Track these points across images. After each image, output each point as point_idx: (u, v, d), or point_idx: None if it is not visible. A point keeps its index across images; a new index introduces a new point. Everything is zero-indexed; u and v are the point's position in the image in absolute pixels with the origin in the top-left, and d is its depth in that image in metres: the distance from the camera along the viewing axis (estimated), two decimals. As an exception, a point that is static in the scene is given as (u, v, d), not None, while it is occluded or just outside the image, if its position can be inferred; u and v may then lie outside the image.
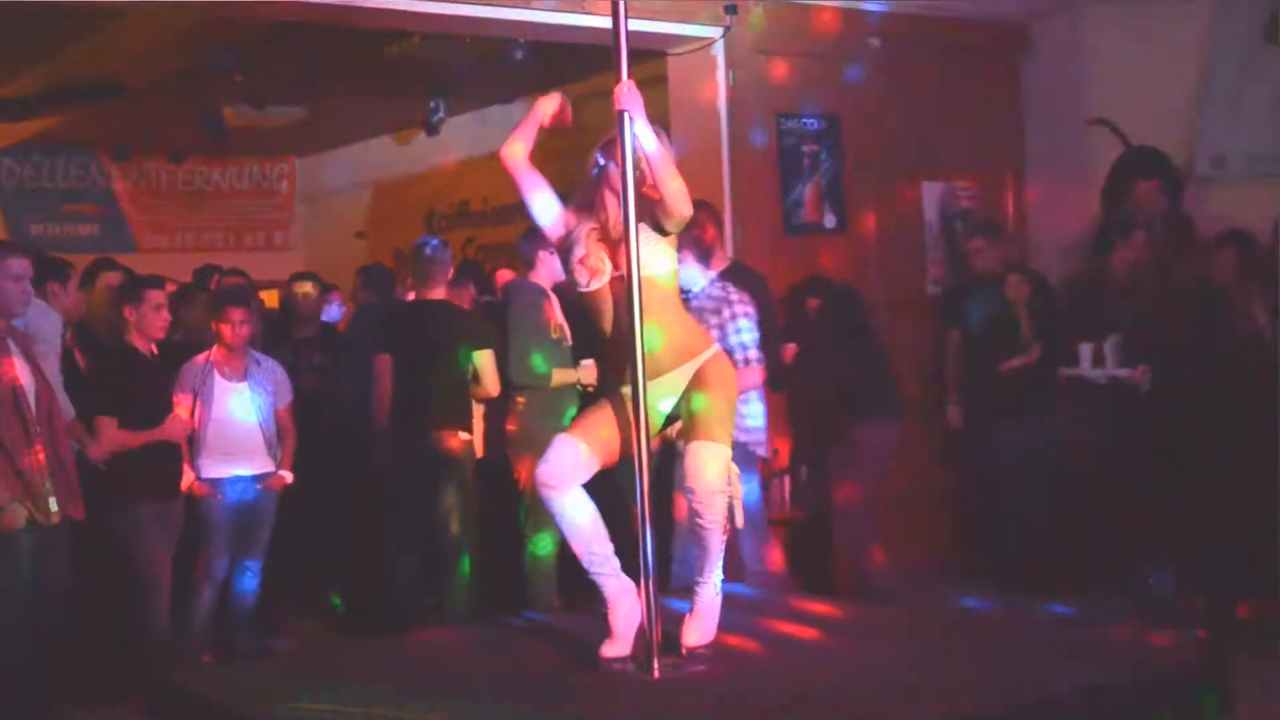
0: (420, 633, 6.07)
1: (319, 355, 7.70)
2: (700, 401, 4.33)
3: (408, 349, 6.82)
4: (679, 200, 4.25)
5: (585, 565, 4.41)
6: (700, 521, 4.29)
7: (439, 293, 6.97)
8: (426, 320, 6.86)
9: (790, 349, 7.32)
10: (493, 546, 6.95)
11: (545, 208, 4.54)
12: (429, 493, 6.75)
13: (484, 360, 6.75)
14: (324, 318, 8.46)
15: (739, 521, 4.36)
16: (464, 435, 6.81)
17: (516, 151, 4.58)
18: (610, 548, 4.41)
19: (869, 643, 4.64)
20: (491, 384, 6.75)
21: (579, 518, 4.37)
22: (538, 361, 6.69)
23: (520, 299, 6.90)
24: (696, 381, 4.37)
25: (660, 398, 4.37)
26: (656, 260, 4.33)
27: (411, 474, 6.76)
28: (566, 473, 4.34)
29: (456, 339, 6.79)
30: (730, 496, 4.29)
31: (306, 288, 7.86)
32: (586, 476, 4.39)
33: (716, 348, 4.49)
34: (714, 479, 4.25)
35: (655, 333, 4.30)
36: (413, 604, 6.82)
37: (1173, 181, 8.00)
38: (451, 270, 7.20)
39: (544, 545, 6.72)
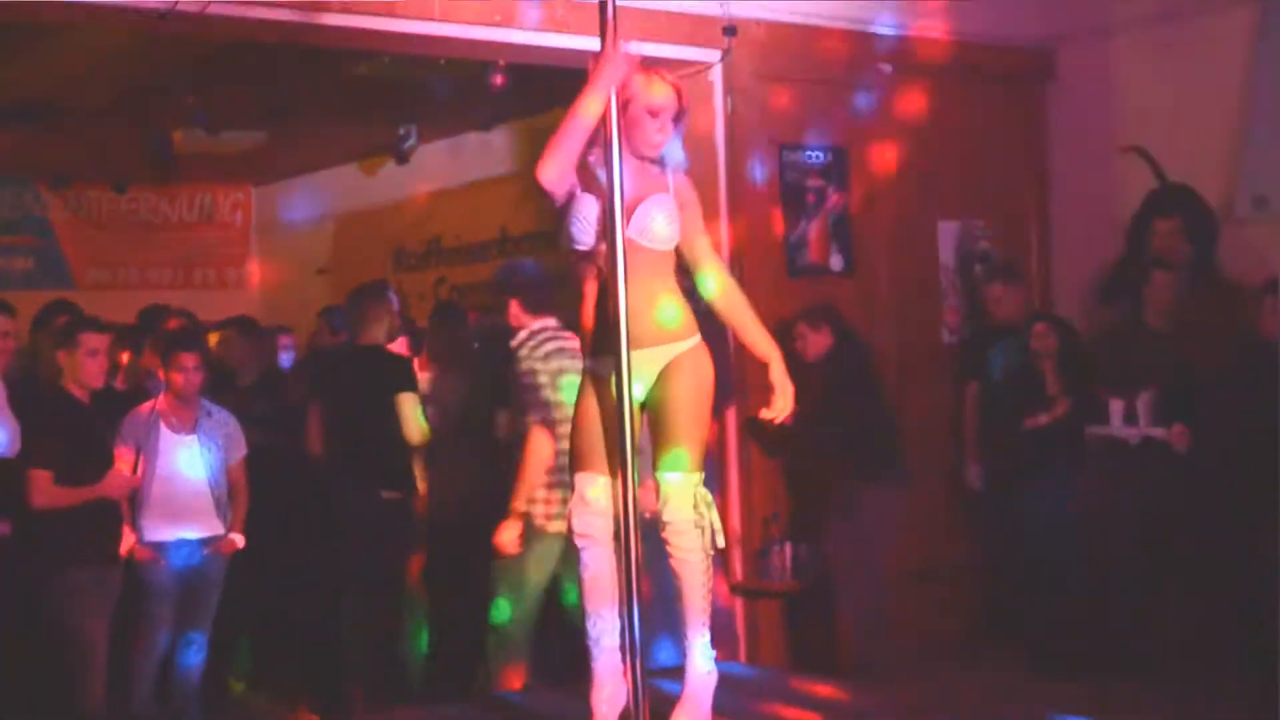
0: (379, 715, 6.02)
1: (260, 405, 7.70)
2: (671, 397, 4.31)
3: (337, 398, 6.97)
4: (544, 158, 4.23)
5: (587, 628, 4.37)
6: (676, 555, 4.29)
7: (372, 337, 7.12)
8: (357, 368, 6.98)
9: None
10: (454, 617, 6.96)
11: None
12: (372, 557, 6.89)
13: (403, 405, 6.90)
14: (282, 363, 8.48)
15: (719, 542, 4.34)
16: (389, 494, 6.87)
17: (565, 170, 4.31)
18: (617, 615, 4.37)
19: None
20: (412, 431, 6.88)
21: (604, 571, 4.35)
22: None
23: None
24: (671, 371, 4.34)
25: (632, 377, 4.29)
26: (657, 227, 4.33)
27: (353, 536, 6.91)
28: (604, 516, 4.32)
29: (385, 387, 6.94)
30: (708, 522, 4.29)
31: (229, 336, 8.00)
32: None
33: (698, 338, 4.44)
34: (684, 510, 4.26)
35: (640, 299, 4.26)
36: (368, 681, 6.80)
37: (1200, 222, 8.03)
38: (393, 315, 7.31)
39: (502, 613, 6.71)
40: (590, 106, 4.21)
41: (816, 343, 7.48)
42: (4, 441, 5.88)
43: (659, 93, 4.40)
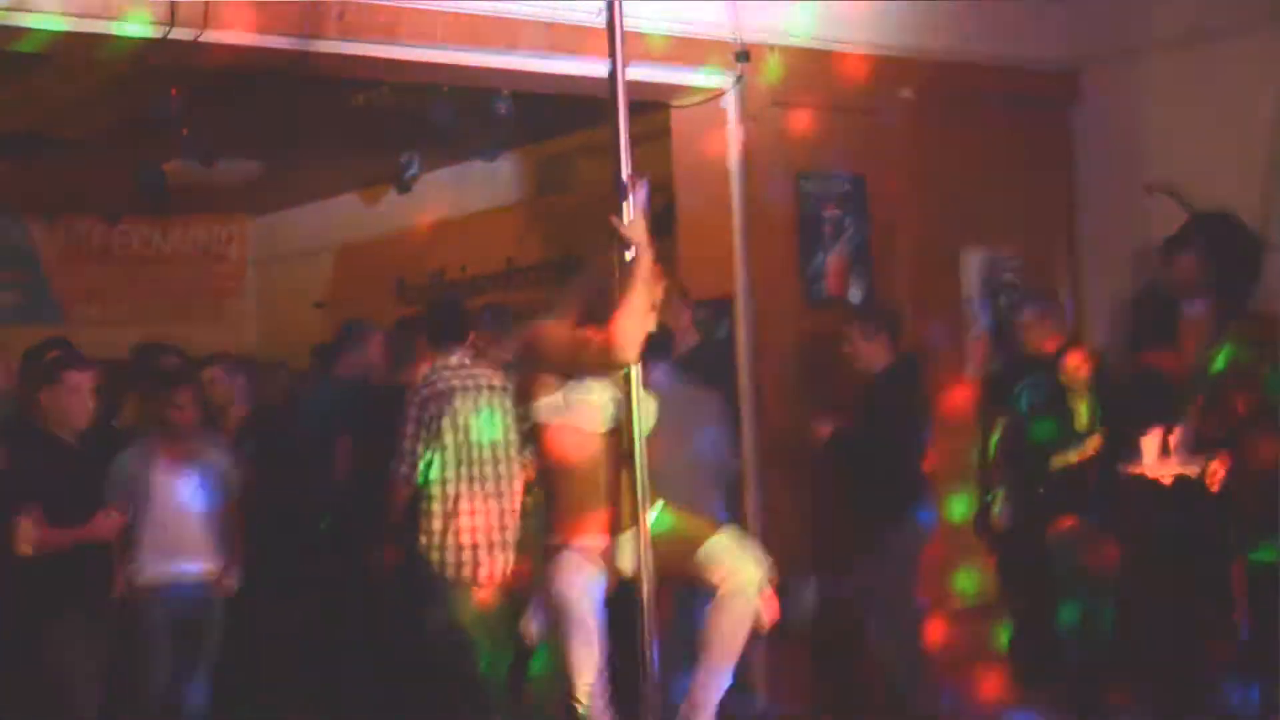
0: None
1: (251, 443, 7.73)
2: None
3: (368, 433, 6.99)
4: (627, 342, 4.46)
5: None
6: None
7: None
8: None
9: (824, 430, 7.33)
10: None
11: None
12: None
13: None
14: None
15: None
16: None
17: None
18: None
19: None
20: None
21: None
22: None
23: None
24: None
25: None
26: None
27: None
28: None
29: None
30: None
31: (212, 373, 8.01)
32: None
33: None
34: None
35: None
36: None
37: (1234, 251, 8.01)
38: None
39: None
40: (645, 285, 4.56)
41: (870, 354, 7.45)
42: None
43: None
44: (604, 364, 4.51)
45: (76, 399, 6.36)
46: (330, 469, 7.39)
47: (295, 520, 7.47)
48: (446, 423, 6.55)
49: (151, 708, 6.69)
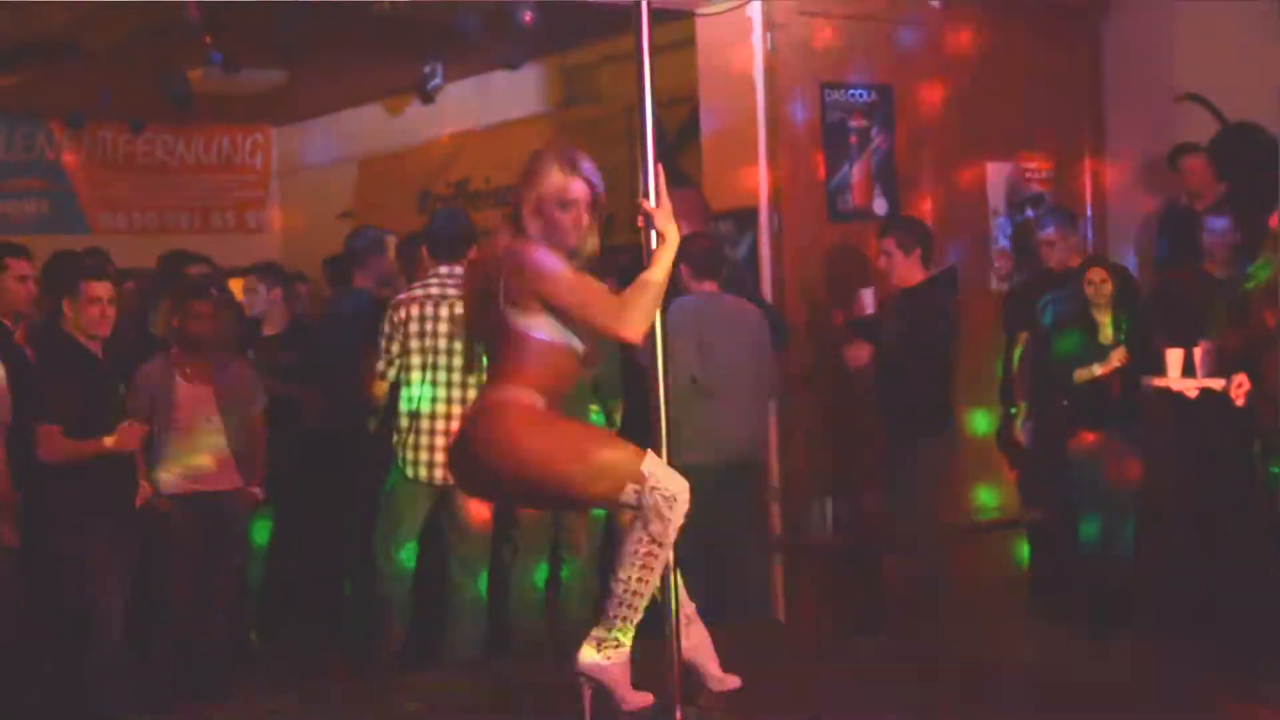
0: (409, 676, 6.08)
1: (286, 356, 7.75)
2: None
3: None
4: (635, 323, 4.33)
5: (634, 613, 4.38)
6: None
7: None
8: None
9: (869, 296, 7.32)
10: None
11: None
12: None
13: None
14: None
15: None
16: None
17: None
18: None
19: (921, 689, 4.63)
20: None
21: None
22: None
23: None
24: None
25: None
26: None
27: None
28: None
29: None
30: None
31: (252, 282, 8.01)
32: None
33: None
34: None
35: None
36: (400, 639, 6.87)
37: (1259, 162, 7.94)
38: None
39: (541, 574, 6.80)
40: (667, 271, 4.42)
41: (905, 269, 7.42)
42: None
43: (573, 188, 4.46)
44: (602, 328, 4.37)
45: (96, 309, 6.37)
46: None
47: (336, 433, 7.50)
48: (414, 327, 6.60)
49: (171, 617, 6.74)
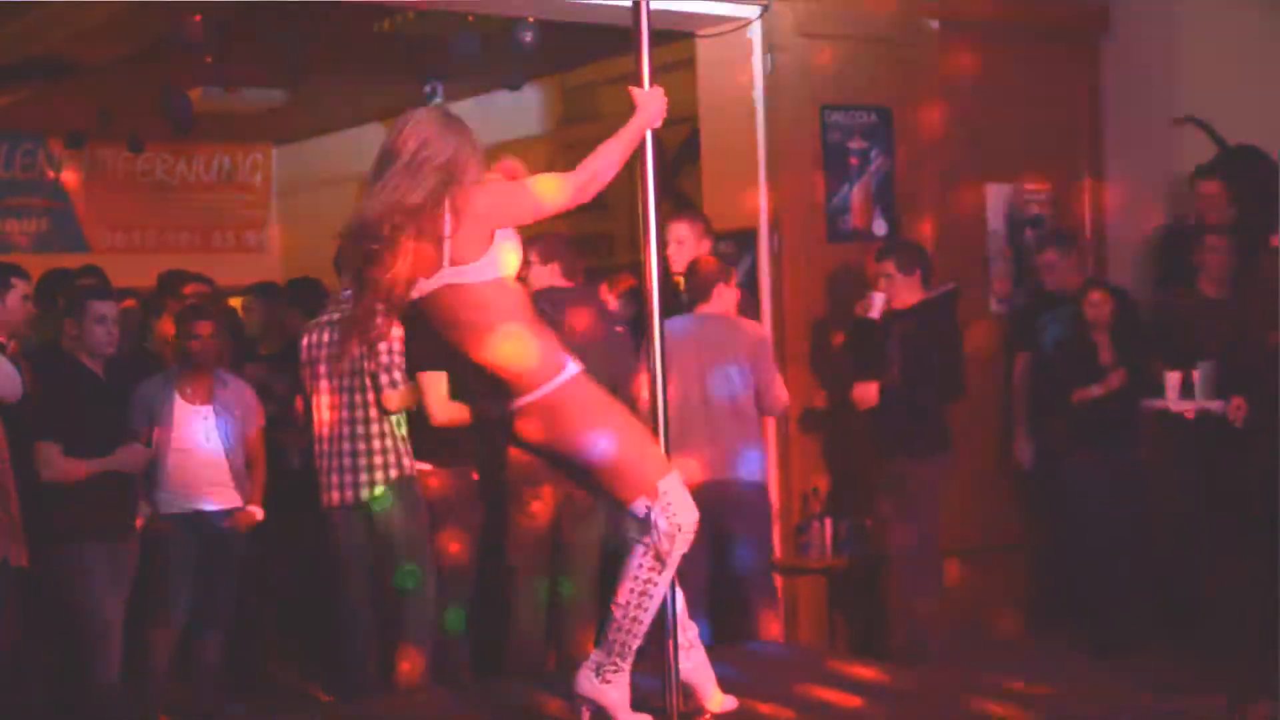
0: (403, 698, 6.08)
1: (283, 376, 7.74)
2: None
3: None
4: (588, 186, 4.24)
5: (634, 639, 4.35)
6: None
7: None
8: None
9: (879, 300, 7.32)
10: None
11: None
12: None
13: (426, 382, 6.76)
14: None
15: None
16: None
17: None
18: None
19: (919, 709, 4.62)
20: (436, 409, 6.64)
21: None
22: None
23: None
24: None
25: None
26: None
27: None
28: None
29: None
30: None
31: (251, 301, 8.02)
32: None
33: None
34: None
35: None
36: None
37: (1259, 185, 7.97)
38: None
39: (542, 593, 6.79)
40: (633, 145, 4.33)
41: (905, 289, 7.41)
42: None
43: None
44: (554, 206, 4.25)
45: (101, 328, 6.38)
46: None
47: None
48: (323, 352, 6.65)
49: (169, 638, 6.73)
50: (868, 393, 7.27)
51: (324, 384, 6.60)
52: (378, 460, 6.54)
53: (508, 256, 4.22)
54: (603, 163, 4.25)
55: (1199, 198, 8.05)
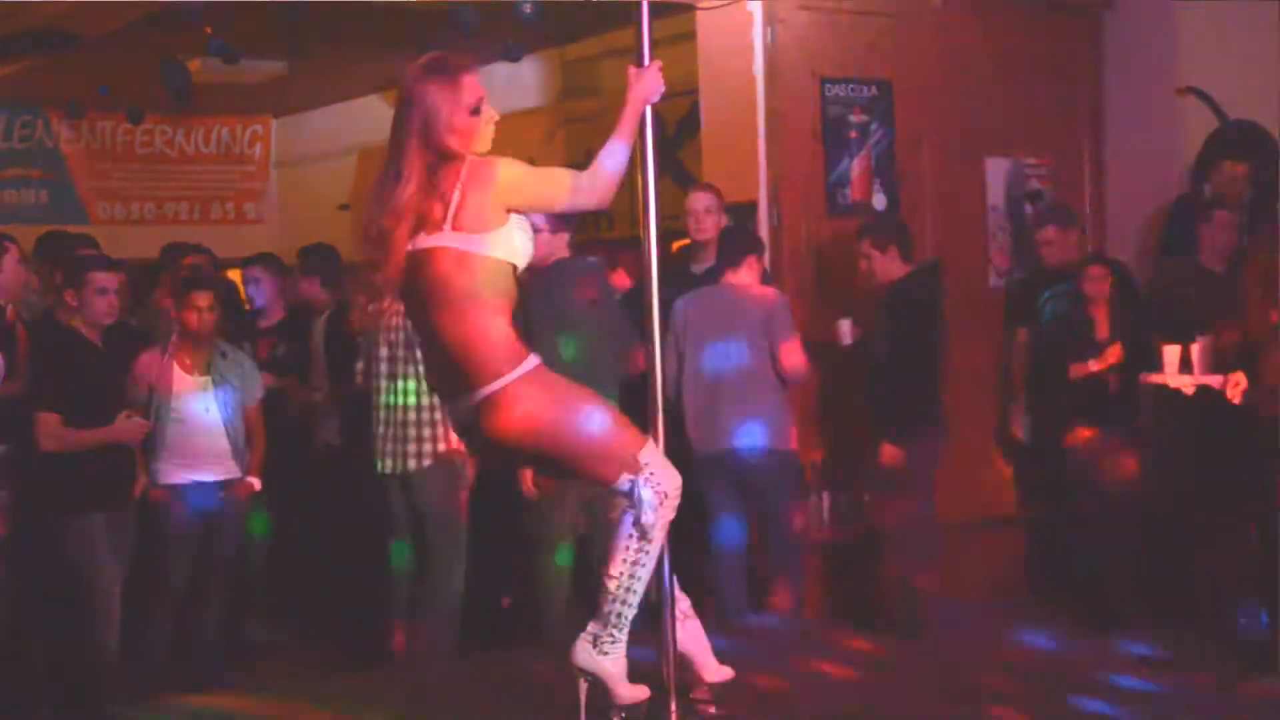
0: (403, 670, 6.10)
1: (283, 347, 7.76)
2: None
3: None
4: (607, 190, 4.30)
5: (629, 609, 4.38)
6: None
7: None
8: None
9: (846, 326, 7.33)
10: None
11: None
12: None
13: None
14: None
15: None
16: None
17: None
18: None
19: (915, 682, 4.64)
20: None
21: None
22: None
23: None
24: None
25: None
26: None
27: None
28: None
29: None
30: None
31: (255, 272, 8.01)
32: None
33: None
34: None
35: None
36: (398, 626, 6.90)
37: (1266, 163, 7.97)
38: None
39: (564, 558, 6.81)
40: (634, 128, 4.41)
41: (885, 266, 7.36)
42: None
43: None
44: (569, 198, 4.32)
45: (103, 299, 6.39)
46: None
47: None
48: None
49: (168, 609, 6.76)
50: (844, 334, 7.40)
51: (383, 364, 6.76)
52: (426, 433, 6.67)
53: (517, 243, 4.22)
54: (614, 161, 4.31)
55: (1225, 177, 8.02)
